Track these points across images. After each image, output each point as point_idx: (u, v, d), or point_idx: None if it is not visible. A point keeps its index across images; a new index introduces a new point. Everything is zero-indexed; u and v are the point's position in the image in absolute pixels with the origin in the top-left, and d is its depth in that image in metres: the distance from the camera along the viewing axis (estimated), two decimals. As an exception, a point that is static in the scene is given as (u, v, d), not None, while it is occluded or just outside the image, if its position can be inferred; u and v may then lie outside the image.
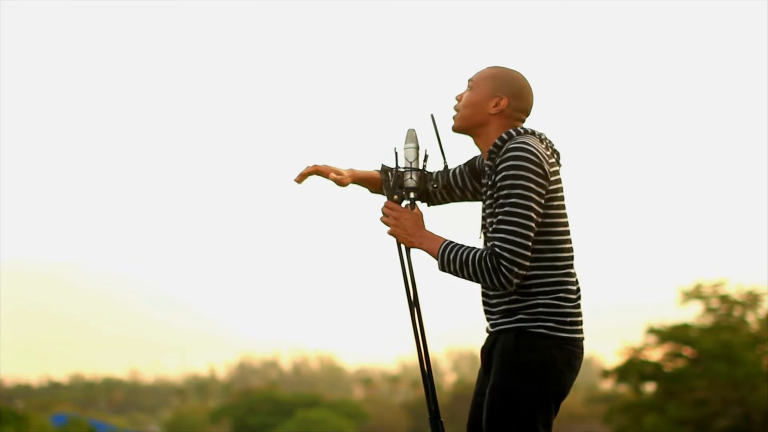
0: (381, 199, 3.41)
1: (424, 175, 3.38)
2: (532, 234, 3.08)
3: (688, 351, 22.57)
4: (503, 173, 3.10)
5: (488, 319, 3.29)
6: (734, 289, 22.80)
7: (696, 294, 22.80)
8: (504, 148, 3.15)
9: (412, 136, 3.37)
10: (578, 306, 3.21)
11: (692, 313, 23.04)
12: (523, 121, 3.30)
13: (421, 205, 3.41)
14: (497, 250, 3.07)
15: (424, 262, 3.30)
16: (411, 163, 3.35)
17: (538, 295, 3.15)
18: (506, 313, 3.19)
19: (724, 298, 22.74)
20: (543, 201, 3.11)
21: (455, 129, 3.32)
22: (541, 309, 3.14)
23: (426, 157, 3.37)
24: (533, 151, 3.10)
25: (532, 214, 3.08)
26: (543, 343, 3.13)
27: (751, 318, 22.90)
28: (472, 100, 3.28)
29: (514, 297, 3.17)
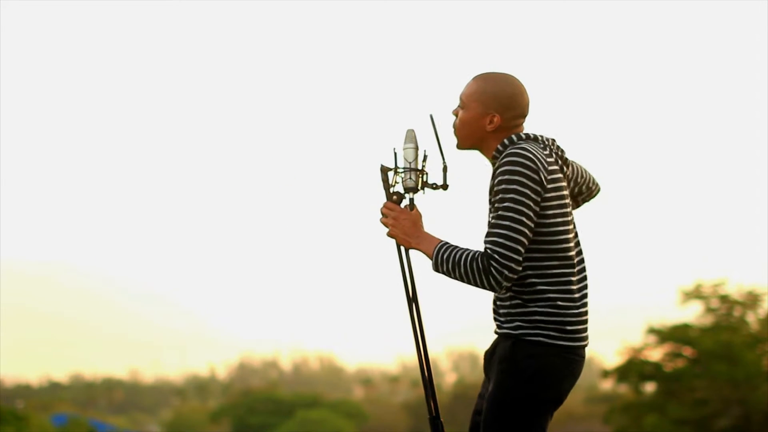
0: (380, 200, 3.40)
1: (423, 175, 3.38)
2: (524, 239, 3.09)
3: (688, 351, 22.56)
4: (499, 177, 3.12)
5: (495, 320, 3.32)
6: (734, 289, 22.81)
7: (696, 294, 22.80)
8: (503, 153, 3.17)
9: (411, 137, 3.36)
10: (581, 314, 3.20)
11: (692, 313, 23.05)
12: (523, 121, 3.31)
13: (421, 207, 3.41)
14: (489, 251, 3.09)
15: (423, 263, 3.31)
16: (410, 163, 3.34)
17: (536, 304, 3.16)
18: (507, 318, 3.22)
19: (724, 298, 22.73)
20: (538, 208, 3.12)
21: (459, 149, 3.35)
22: (538, 317, 3.16)
23: (425, 157, 3.36)
24: (530, 157, 3.12)
25: (525, 219, 3.08)
26: (541, 351, 3.15)
27: (751, 318, 22.90)
28: (466, 120, 3.29)
29: (515, 302, 3.19)
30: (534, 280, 3.16)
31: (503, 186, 3.10)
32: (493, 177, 3.16)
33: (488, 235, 3.10)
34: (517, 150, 3.14)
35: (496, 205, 3.12)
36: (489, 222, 3.16)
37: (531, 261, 3.15)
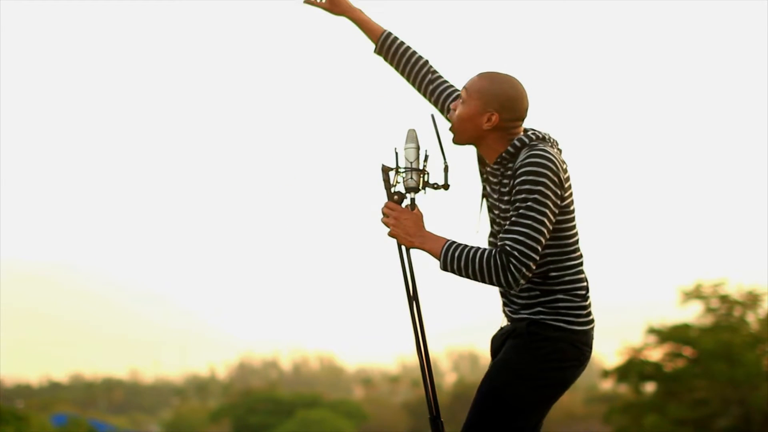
0: (381, 200, 3.41)
1: (424, 175, 3.38)
2: (543, 239, 3.15)
3: (688, 351, 22.55)
4: (522, 177, 3.17)
5: (506, 310, 3.38)
6: (734, 289, 22.79)
7: (696, 294, 22.79)
8: (522, 155, 3.22)
9: (412, 136, 3.37)
10: (588, 299, 3.33)
11: (692, 313, 23.04)
12: (521, 124, 3.34)
13: (421, 206, 3.42)
14: (508, 248, 3.13)
15: (424, 263, 3.32)
16: (411, 163, 3.35)
17: (557, 295, 3.26)
18: (525, 306, 3.30)
19: (724, 298, 22.72)
20: (557, 210, 3.19)
21: (454, 143, 3.39)
22: (561, 304, 3.25)
23: (426, 157, 3.37)
24: (552, 159, 3.18)
25: (546, 221, 3.14)
26: (558, 335, 3.24)
27: (751, 318, 22.88)
28: (463, 115, 3.33)
29: (533, 293, 3.27)
30: (555, 273, 3.25)
31: (528, 186, 3.15)
32: (515, 176, 3.19)
33: (508, 232, 3.15)
34: (539, 152, 3.19)
35: (517, 204, 3.16)
36: (510, 220, 3.18)
37: (552, 256, 3.24)
